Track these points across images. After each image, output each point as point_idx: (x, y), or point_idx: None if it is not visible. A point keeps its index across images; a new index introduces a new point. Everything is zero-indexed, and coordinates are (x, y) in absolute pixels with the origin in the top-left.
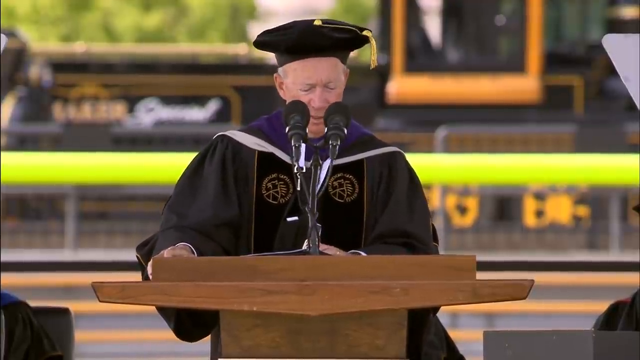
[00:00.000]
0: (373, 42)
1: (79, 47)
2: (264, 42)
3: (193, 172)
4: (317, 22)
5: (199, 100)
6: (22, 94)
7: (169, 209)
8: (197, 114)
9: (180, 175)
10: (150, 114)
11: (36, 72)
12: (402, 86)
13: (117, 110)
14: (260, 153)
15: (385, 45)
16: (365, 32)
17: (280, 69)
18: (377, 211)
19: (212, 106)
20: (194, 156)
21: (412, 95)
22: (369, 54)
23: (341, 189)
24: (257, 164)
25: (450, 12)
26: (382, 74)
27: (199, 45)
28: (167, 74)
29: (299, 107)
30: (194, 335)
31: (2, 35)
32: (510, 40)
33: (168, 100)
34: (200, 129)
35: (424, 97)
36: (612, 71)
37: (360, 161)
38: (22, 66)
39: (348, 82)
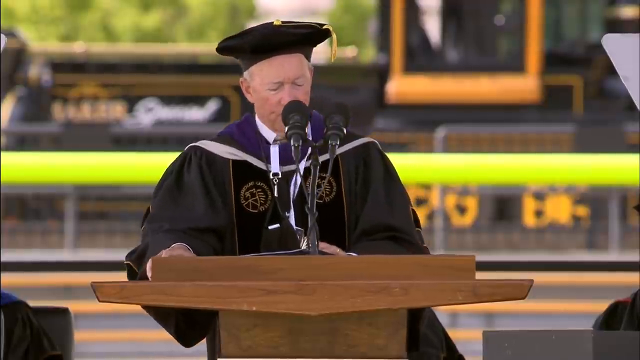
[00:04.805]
0: (334, 36)
1: (78, 47)
2: (227, 46)
3: (174, 184)
4: (276, 23)
5: (199, 100)
6: (21, 94)
7: (154, 219)
8: (196, 113)
9: (154, 192)
10: (150, 113)
11: (36, 72)
12: (402, 86)
13: (116, 110)
14: (234, 162)
15: (384, 45)
16: (325, 27)
17: (245, 73)
18: (357, 207)
19: (212, 106)
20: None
21: (411, 95)
22: (368, 54)
23: (319, 189)
24: (232, 173)
25: (450, 12)
26: (382, 74)
27: (198, 45)
28: (167, 74)
29: (299, 107)
30: (191, 339)
31: (2, 35)
32: (510, 40)
33: (167, 100)
34: (199, 129)
35: (423, 97)
36: (611, 71)
37: (335, 158)
38: (22, 66)
39: (348, 82)
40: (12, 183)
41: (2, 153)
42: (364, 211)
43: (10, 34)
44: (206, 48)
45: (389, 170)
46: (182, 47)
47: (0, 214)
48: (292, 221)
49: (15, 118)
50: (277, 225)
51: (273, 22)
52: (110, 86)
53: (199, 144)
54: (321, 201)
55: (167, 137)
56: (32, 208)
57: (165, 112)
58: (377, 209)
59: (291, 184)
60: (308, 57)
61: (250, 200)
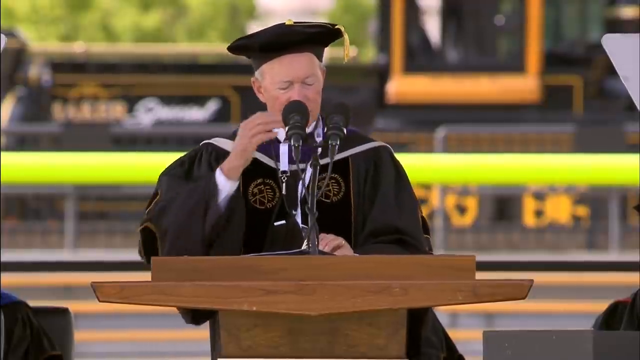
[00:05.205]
0: (346, 36)
1: (78, 47)
2: (238, 45)
3: (184, 175)
4: (288, 22)
5: (199, 100)
6: (21, 94)
7: (166, 195)
8: (196, 113)
9: (161, 175)
10: (150, 113)
11: (36, 72)
12: (402, 86)
13: (116, 110)
14: None
15: (384, 45)
16: (337, 27)
17: (257, 72)
18: (365, 209)
19: (212, 106)
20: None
21: (411, 95)
22: (368, 54)
23: (327, 188)
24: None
25: (450, 12)
26: (382, 74)
27: (198, 45)
28: (167, 74)
29: (299, 107)
30: (200, 318)
31: (2, 35)
32: (510, 40)
33: (167, 100)
34: (199, 129)
35: (423, 97)
36: (611, 71)
37: (345, 159)
38: (22, 66)
39: (348, 82)
40: (12, 183)
41: (2, 153)
42: (372, 213)
43: (10, 34)
44: (206, 48)
45: (400, 174)
46: (182, 47)
47: (0, 214)
48: (299, 219)
49: (15, 118)
50: (283, 221)
51: (285, 22)
52: (110, 86)
53: (213, 141)
54: (328, 201)
55: (167, 137)
56: (32, 208)
57: (165, 112)
58: (385, 210)
59: (299, 182)
60: (319, 57)
61: (257, 197)
